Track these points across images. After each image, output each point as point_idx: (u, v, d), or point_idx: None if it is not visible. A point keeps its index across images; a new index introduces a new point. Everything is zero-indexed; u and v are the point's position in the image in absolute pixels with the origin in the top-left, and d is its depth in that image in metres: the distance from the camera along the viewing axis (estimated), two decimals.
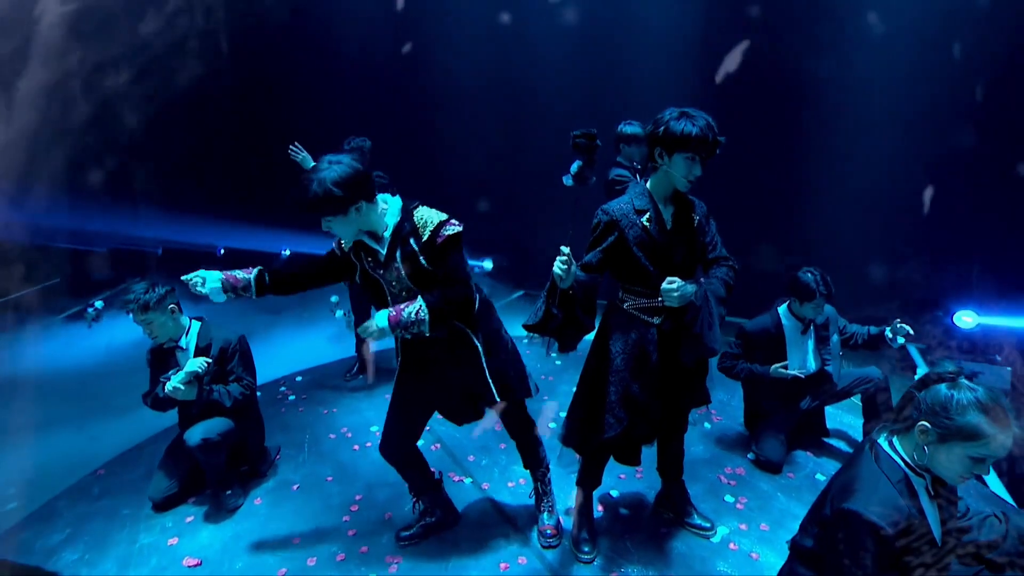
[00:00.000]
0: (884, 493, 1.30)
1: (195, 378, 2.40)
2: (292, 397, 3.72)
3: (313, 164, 3.45)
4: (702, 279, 1.91)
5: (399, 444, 2.16)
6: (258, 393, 3.67)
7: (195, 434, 2.38)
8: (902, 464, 1.35)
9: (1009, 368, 2.50)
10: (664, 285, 1.79)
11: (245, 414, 2.65)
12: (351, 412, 3.49)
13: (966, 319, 3.47)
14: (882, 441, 1.41)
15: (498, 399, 2.05)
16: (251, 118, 6.35)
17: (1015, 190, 3.75)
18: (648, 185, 1.89)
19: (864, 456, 1.41)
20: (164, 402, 2.43)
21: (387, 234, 1.87)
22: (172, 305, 2.46)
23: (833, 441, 3.02)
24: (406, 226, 1.87)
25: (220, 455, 2.48)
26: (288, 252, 6.74)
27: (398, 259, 1.87)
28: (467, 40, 5.46)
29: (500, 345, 2.07)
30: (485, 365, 2.01)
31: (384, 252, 1.88)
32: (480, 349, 2.00)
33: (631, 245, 1.85)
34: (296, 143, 3.46)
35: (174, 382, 2.34)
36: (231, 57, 5.74)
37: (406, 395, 2.08)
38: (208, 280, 1.91)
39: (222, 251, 6.82)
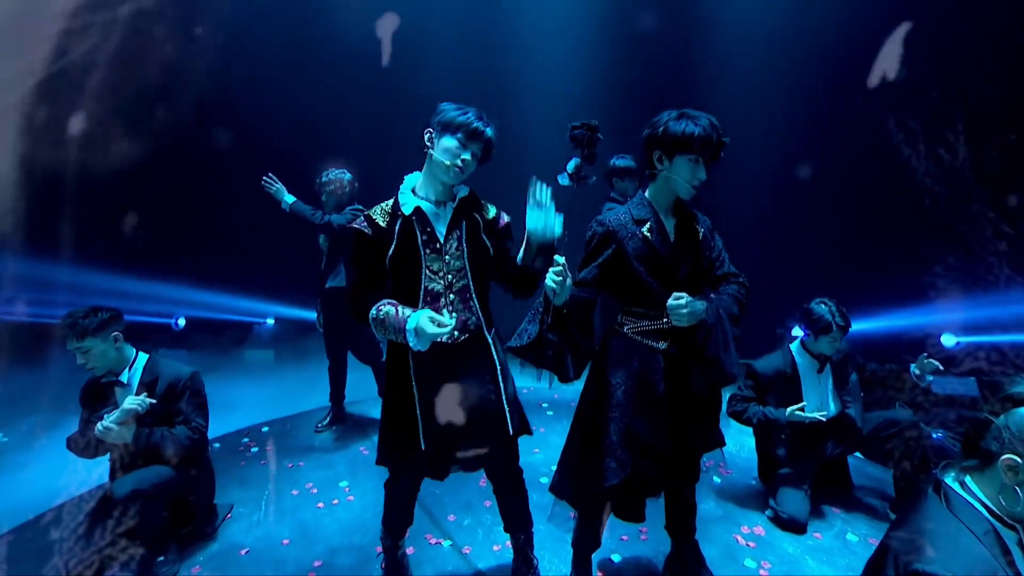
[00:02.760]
0: (969, 550, 1.02)
1: (133, 418, 2.08)
2: (255, 449, 3.34)
3: (292, 198, 3.37)
4: (712, 295, 1.69)
5: (408, 479, 1.86)
6: (216, 445, 3.35)
7: (125, 485, 2.03)
8: (984, 512, 1.08)
9: None
10: (671, 302, 1.57)
11: (191, 464, 2.29)
12: (320, 466, 3.12)
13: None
14: (951, 482, 1.14)
15: (511, 431, 1.75)
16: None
17: (834, 219, 4.20)
18: (647, 194, 1.72)
19: (930, 502, 1.13)
20: (92, 446, 2.09)
21: (453, 203, 1.67)
22: (116, 332, 2.17)
23: (862, 495, 2.69)
24: (471, 198, 1.71)
25: (155, 512, 2.11)
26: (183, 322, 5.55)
27: (463, 230, 1.66)
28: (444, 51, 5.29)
29: (509, 370, 1.81)
30: (503, 386, 1.74)
31: (447, 221, 1.65)
32: (499, 367, 1.74)
33: (631, 259, 1.64)
34: (270, 174, 3.31)
35: (107, 421, 2.02)
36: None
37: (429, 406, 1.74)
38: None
39: (181, 322, 5.62)
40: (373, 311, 1.58)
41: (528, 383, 1.83)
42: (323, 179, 3.43)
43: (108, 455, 2.18)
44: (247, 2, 5.05)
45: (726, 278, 1.77)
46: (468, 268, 1.66)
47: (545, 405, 4.07)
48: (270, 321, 5.94)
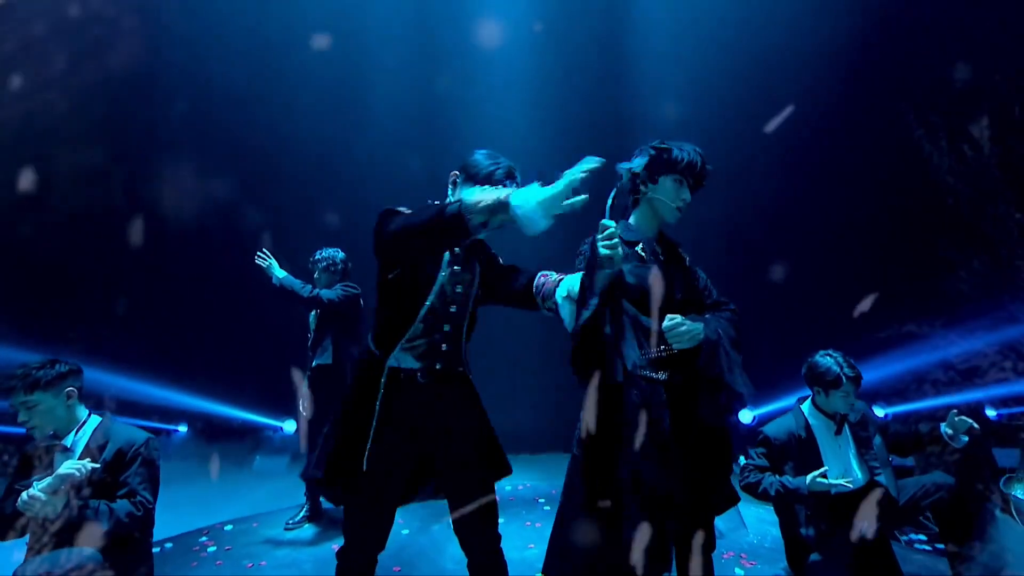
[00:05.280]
0: None
1: (68, 488, 1.82)
2: (212, 548, 2.94)
3: (283, 273, 3.35)
4: (707, 316, 1.58)
5: (364, 549, 1.57)
6: (167, 545, 2.96)
7: (33, 568, 1.71)
8: None
9: None
10: (666, 323, 1.47)
11: (128, 550, 1.97)
12: (284, 566, 2.72)
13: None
14: None
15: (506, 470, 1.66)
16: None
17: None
18: (631, 221, 1.69)
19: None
20: (8, 521, 1.80)
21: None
22: (71, 389, 1.99)
23: None
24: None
25: None
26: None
27: (479, 266, 1.63)
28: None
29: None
30: (487, 428, 1.65)
31: (464, 252, 1.61)
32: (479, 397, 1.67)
33: (625, 281, 1.56)
34: (264, 249, 3.34)
35: (35, 489, 1.76)
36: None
37: (381, 471, 1.53)
38: None
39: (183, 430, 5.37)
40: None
41: (523, 480, 1.68)
42: (316, 257, 3.47)
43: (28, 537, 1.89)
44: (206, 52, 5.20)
45: (717, 306, 1.68)
46: (471, 304, 1.63)
47: (542, 500, 3.72)
48: (182, 428, 5.35)
